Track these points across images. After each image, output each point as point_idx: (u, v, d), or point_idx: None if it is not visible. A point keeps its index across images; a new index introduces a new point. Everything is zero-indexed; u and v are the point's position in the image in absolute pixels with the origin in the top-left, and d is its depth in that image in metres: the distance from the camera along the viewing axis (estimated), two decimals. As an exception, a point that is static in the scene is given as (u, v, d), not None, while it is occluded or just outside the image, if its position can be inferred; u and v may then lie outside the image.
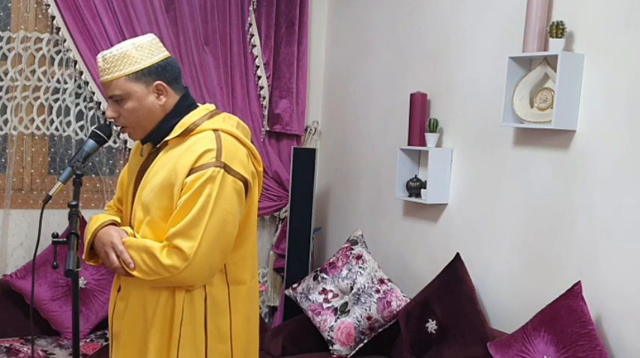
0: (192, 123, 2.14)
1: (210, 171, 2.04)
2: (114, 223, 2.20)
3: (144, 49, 2.11)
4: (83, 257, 2.19)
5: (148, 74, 2.10)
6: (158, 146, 2.18)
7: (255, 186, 2.19)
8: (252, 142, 2.26)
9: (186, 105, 2.19)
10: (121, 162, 3.96)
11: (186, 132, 2.14)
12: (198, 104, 2.23)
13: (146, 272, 2.05)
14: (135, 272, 2.06)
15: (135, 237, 2.13)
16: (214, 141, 2.09)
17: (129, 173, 2.29)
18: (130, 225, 2.19)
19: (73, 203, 2.02)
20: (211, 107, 2.23)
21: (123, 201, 2.32)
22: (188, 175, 2.05)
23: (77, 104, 3.82)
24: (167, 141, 2.15)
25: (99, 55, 2.13)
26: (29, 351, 3.30)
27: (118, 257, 2.08)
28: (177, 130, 2.14)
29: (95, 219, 2.21)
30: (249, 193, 2.16)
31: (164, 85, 2.13)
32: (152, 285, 2.10)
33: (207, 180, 2.03)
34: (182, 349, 2.11)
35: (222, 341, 2.17)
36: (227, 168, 2.06)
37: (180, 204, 2.05)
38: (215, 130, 2.13)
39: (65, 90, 3.77)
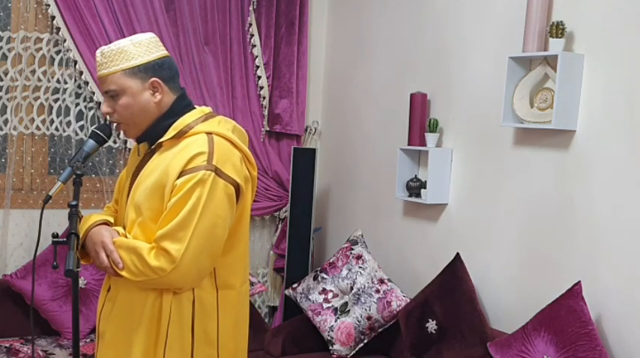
0: (186, 126, 2.14)
1: (201, 174, 2.03)
2: (106, 223, 2.20)
3: (141, 46, 2.12)
4: None
5: (144, 70, 2.11)
6: (153, 147, 2.18)
7: (248, 190, 2.18)
8: (250, 145, 2.25)
9: (182, 105, 2.18)
10: (121, 162, 3.96)
11: (180, 134, 2.13)
12: (196, 106, 2.23)
13: (134, 272, 2.05)
14: (123, 273, 2.06)
15: (126, 237, 2.13)
16: (206, 144, 2.08)
17: (127, 174, 2.29)
18: (124, 226, 2.19)
19: (73, 203, 2.02)
20: (207, 110, 2.23)
21: (119, 201, 2.32)
22: (179, 177, 2.05)
23: (77, 104, 3.82)
24: (161, 142, 2.15)
25: (98, 51, 2.14)
26: (29, 351, 3.30)
27: (107, 256, 2.07)
28: (170, 132, 2.14)
29: (87, 218, 2.21)
30: (242, 198, 2.14)
31: (160, 82, 2.12)
32: (140, 286, 2.10)
33: (197, 182, 2.03)
34: (168, 351, 2.11)
35: (209, 344, 2.16)
36: (218, 172, 2.05)
37: (169, 206, 2.05)
38: (208, 133, 2.12)
39: (65, 90, 3.77)
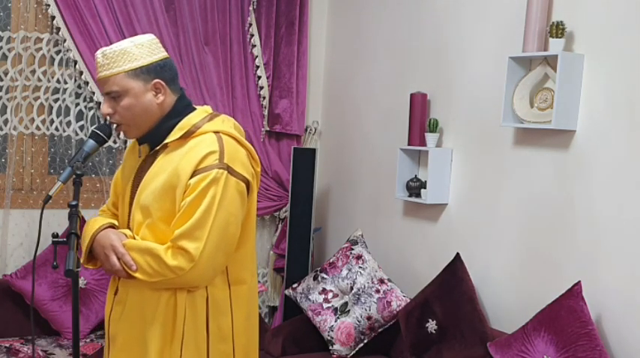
0: (193, 126, 2.14)
1: (214, 172, 2.05)
2: (112, 226, 2.20)
3: (144, 47, 2.12)
4: (82, 261, 2.18)
5: (147, 72, 2.11)
6: (157, 148, 2.17)
7: (254, 186, 2.20)
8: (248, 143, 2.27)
9: (183, 105, 2.19)
10: (121, 162, 3.95)
11: (187, 135, 2.14)
12: (195, 106, 2.24)
13: (150, 273, 2.05)
14: (137, 274, 2.06)
15: (134, 239, 2.13)
16: (216, 143, 2.09)
17: (123, 176, 2.28)
18: (129, 228, 2.19)
19: (73, 203, 2.02)
20: (209, 109, 2.24)
21: (118, 204, 2.31)
22: (191, 177, 2.06)
23: (77, 104, 3.82)
24: (166, 143, 2.15)
25: (98, 52, 2.13)
26: (29, 351, 3.30)
27: (119, 259, 2.08)
28: (177, 132, 2.14)
29: (93, 222, 2.21)
30: (250, 194, 2.17)
31: (162, 83, 2.13)
32: (154, 287, 2.10)
33: (211, 181, 2.04)
34: (185, 350, 2.12)
35: (223, 341, 2.18)
36: (230, 170, 2.07)
37: (184, 205, 2.05)
38: (216, 132, 2.13)
39: (65, 90, 3.77)
